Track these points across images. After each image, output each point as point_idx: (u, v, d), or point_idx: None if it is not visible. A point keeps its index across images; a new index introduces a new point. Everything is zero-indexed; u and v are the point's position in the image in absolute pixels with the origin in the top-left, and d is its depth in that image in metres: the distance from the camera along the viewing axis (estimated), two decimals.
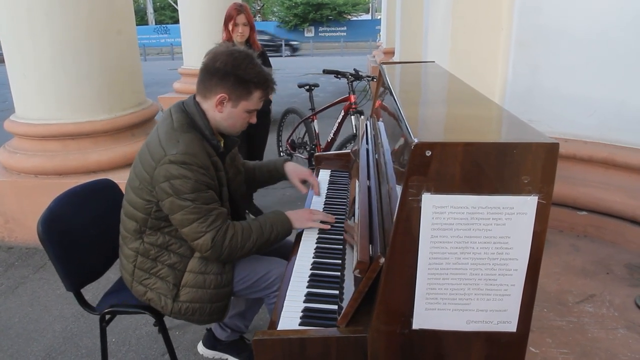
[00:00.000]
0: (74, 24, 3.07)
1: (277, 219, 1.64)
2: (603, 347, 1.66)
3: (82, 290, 1.74)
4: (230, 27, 3.29)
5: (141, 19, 31.59)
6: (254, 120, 1.66)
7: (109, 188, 1.94)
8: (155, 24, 31.82)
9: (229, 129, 1.65)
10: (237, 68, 1.54)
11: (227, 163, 1.77)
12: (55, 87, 3.15)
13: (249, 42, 3.40)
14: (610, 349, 1.65)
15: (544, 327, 1.75)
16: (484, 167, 0.89)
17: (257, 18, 32.29)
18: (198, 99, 1.62)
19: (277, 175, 2.00)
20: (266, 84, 1.59)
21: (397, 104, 1.23)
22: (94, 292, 2.54)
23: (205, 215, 1.50)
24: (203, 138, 1.58)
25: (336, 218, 1.74)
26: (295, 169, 1.97)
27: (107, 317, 1.78)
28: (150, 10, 32.36)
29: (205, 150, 1.55)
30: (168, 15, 34.75)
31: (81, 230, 1.74)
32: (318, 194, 1.94)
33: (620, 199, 2.40)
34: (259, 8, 33.48)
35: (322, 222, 1.66)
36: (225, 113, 1.59)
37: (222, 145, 1.65)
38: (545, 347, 1.65)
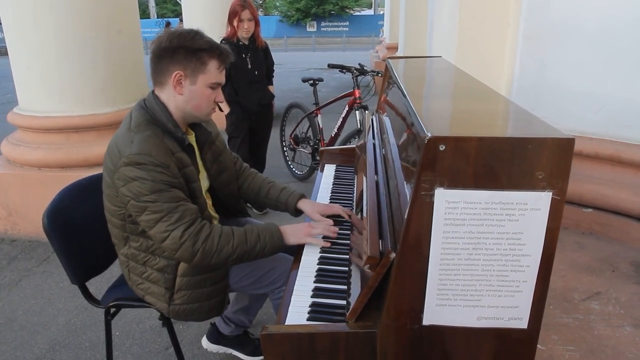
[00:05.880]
0: (79, 15, 3.05)
1: (267, 230, 1.52)
2: (609, 344, 1.65)
3: (85, 284, 1.74)
4: (235, 23, 3.28)
5: (143, 12, 31.49)
6: (220, 98, 1.56)
7: None
8: (157, 18, 31.73)
9: (195, 112, 1.53)
10: (184, 40, 1.45)
11: (207, 159, 1.69)
12: (59, 79, 3.13)
13: (253, 36, 3.39)
14: (616, 346, 1.64)
15: (550, 324, 1.75)
16: (498, 162, 0.88)
17: (260, 12, 32.16)
18: (156, 91, 1.54)
19: (284, 209, 1.82)
20: (219, 51, 1.50)
21: (407, 98, 1.21)
22: (97, 285, 2.54)
23: (169, 213, 1.40)
24: (165, 133, 1.49)
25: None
26: (312, 207, 1.73)
27: (112, 310, 1.77)
28: (152, 3, 32.26)
29: (164, 147, 1.44)
30: (170, 8, 34.67)
31: (86, 223, 1.73)
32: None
33: (626, 196, 2.39)
34: (261, 2, 33.37)
35: (324, 237, 1.51)
36: (186, 94, 1.49)
37: (188, 138, 1.55)
38: (551, 344, 1.64)
